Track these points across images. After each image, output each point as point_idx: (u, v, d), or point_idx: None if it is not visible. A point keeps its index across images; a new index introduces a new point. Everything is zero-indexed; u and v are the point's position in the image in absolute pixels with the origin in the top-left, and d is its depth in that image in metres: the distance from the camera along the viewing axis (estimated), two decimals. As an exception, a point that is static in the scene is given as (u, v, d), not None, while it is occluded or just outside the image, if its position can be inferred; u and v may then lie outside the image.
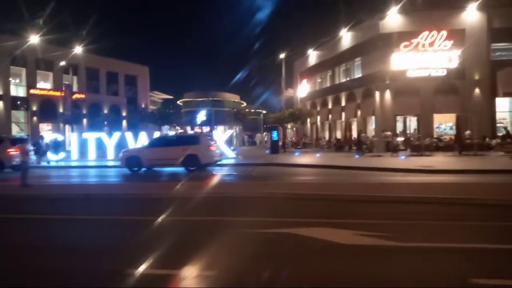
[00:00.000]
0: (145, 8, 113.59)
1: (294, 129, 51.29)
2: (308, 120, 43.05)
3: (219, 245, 6.19)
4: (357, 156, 25.04)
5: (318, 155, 26.87)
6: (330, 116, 39.95)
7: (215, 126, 43.41)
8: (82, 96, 42.57)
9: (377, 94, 31.66)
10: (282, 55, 35.70)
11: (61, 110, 41.07)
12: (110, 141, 25.05)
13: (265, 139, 41.94)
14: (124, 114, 48.19)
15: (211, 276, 4.87)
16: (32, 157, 20.93)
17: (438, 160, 20.51)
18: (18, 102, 38.09)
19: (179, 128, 48.18)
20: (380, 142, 25.21)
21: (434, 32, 30.04)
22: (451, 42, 30.02)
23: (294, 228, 7.06)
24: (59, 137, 26.22)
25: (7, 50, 35.83)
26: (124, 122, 47.41)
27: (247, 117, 39.39)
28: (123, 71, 49.50)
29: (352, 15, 33.98)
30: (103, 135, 25.52)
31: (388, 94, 31.16)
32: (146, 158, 18.59)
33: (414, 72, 30.48)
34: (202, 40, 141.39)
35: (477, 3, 29.74)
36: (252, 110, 54.64)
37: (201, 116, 46.63)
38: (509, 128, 29.54)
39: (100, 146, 25.43)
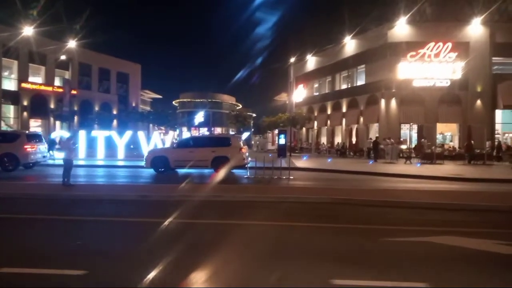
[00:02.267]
0: (138, 5, 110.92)
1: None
2: (304, 123, 43.13)
3: (384, 256, 6.02)
4: (370, 162, 25.24)
5: (329, 160, 26.88)
6: (329, 121, 40.19)
7: (213, 128, 42.76)
8: (75, 92, 41.00)
9: (383, 101, 32.13)
10: (292, 59, 35.61)
11: (52, 105, 39.53)
12: (121, 140, 24.22)
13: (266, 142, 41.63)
14: (115, 112, 46.77)
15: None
16: (46, 154, 19.93)
17: (457, 169, 20.93)
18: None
19: (163, 128, 47.19)
20: (394, 149, 25.49)
21: (440, 44, 30.82)
22: (456, 54, 30.89)
23: (425, 237, 6.95)
24: (65, 135, 24.98)
25: (0, 41, 34.11)
26: (115, 121, 46.02)
27: (248, 120, 39.06)
28: (115, 68, 48.16)
29: (358, 24, 34.33)
30: (113, 133, 24.60)
31: (393, 102, 31.69)
32: (174, 159, 17.97)
33: (420, 81, 31.18)
34: (194, 40, 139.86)
35: (482, 17, 30.75)
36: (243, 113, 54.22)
37: (199, 117, 45.85)
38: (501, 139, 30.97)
39: (109, 144, 24.54)
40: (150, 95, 58.22)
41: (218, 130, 43.65)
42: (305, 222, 8.48)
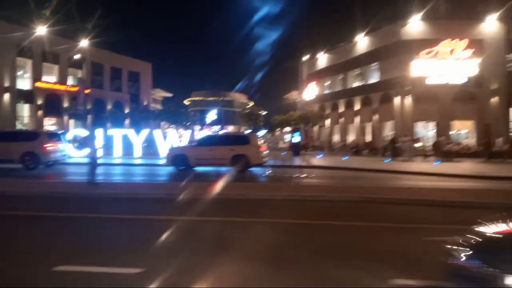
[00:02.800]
0: (147, 4, 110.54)
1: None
2: (315, 122, 42.98)
3: (434, 255, 5.92)
4: (387, 160, 25.11)
5: (345, 158, 26.74)
6: (341, 119, 40.06)
7: (225, 126, 42.84)
8: (87, 91, 41.09)
9: (397, 99, 31.94)
10: (303, 57, 35.53)
11: (65, 104, 39.80)
12: (138, 139, 24.33)
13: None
14: (127, 110, 46.94)
15: None
16: (66, 152, 20.08)
17: (477, 166, 20.77)
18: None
19: (173, 127, 47.27)
20: (411, 147, 25.33)
21: (455, 41, 30.56)
22: (471, 51, 30.60)
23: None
24: (83, 133, 25.11)
25: (14, 41, 34.36)
26: (127, 120, 46.16)
27: (260, 118, 39.07)
28: (126, 67, 48.38)
29: (370, 21, 34.11)
30: (130, 132, 24.72)
31: (408, 100, 31.49)
32: (194, 157, 18.07)
33: (434, 79, 30.94)
34: (202, 38, 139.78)
35: (497, 14, 30.44)
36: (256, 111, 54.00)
37: (212, 115, 45.91)
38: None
39: (125, 143, 24.66)
40: (161, 93, 58.44)
41: (230, 128, 43.72)
42: (339, 221, 8.43)
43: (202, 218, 8.28)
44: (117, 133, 24.84)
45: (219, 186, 12.85)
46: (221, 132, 43.23)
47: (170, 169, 18.31)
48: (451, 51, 30.68)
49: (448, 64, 30.81)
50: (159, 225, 7.99)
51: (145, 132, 24.61)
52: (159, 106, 57.17)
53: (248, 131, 37.27)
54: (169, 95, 59.28)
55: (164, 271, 4.93)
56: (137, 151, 24.22)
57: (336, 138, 41.69)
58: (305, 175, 16.14)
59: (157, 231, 7.50)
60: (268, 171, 17.83)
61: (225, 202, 10.42)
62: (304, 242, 6.70)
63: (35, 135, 18.58)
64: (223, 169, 18.60)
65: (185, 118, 39.05)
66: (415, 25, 31.42)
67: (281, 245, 6.37)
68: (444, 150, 24.90)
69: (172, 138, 24.55)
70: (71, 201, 10.60)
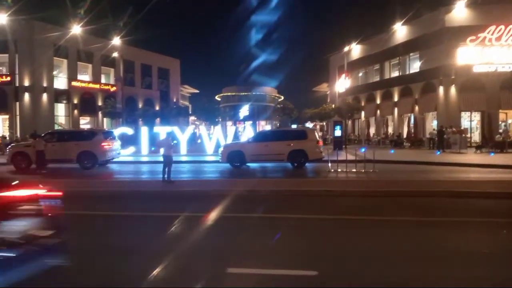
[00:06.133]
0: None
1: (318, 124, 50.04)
2: (349, 115, 42.12)
3: None
4: (437, 153, 24.35)
5: (392, 151, 25.94)
6: (378, 111, 39.20)
7: (258, 121, 42.46)
8: (121, 89, 41.29)
9: (441, 89, 30.98)
10: (337, 49, 34.77)
11: (99, 103, 39.96)
12: (183, 136, 24.21)
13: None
14: (157, 107, 46.92)
15: None
16: (119, 151, 20.02)
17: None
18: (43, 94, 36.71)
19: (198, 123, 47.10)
20: (463, 138, 24.47)
21: (502, 27, 29.41)
22: (518, 37, 29.40)
23: None
24: (128, 131, 25.09)
25: (51, 41, 34.59)
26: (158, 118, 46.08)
27: (294, 112, 38.50)
28: (156, 64, 48.30)
29: (410, 9, 33.06)
30: (175, 129, 24.57)
31: (453, 89, 30.51)
32: (250, 153, 17.74)
33: (480, 67, 29.88)
34: (228, 32, 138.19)
35: (547, -3, 29.13)
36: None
37: (244, 110, 45.57)
38: None
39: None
40: (188, 90, 58.35)
41: (262, 124, 43.33)
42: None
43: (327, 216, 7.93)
44: (163, 131, 24.66)
45: (293, 182, 12.46)
46: (266, 127, 42.66)
47: (226, 165, 18.04)
48: (498, 38, 29.54)
49: (494, 51, 29.70)
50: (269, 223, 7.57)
51: (190, 129, 24.48)
52: (186, 103, 57.11)
53: (297, 125, 36.43)
54: (196, 91, 59.19)
55: (338, 274, 4.61)
56: (183, 148, 24.10)
57: (372, 131, 40.88)
58: (371, 170, 15.51)
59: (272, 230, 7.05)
60: (330, 166, 17.33)
61: (316, 198, 10.06)
62: None
63: (92, 134, 18.55)
64: (280, 164, 18.31)
65: (218, 114, 38.77)
66: (460, 12, 30.31)
67: None
68: (497, 140, 24.01)
69: (217, 135, 24.32)
70: (162, 200, 10.60)
